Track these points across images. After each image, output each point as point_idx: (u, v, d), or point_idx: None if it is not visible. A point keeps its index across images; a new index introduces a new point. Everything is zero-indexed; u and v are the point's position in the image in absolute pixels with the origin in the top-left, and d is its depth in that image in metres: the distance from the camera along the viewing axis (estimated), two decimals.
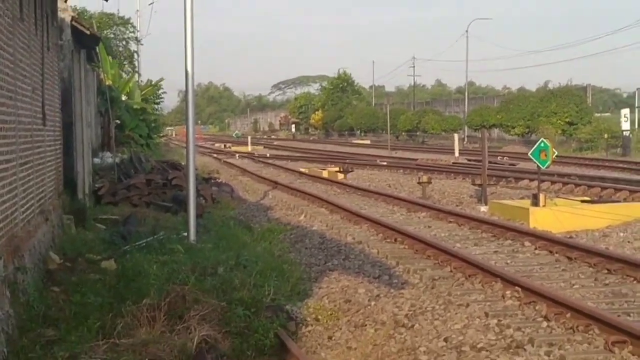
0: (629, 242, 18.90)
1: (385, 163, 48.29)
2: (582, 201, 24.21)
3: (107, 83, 40.76)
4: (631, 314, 12.34)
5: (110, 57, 47.38)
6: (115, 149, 33.85)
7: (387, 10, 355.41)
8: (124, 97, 47.73)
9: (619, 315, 11.96)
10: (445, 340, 11.27)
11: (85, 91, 26.54)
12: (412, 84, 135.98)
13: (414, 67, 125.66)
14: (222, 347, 11.06)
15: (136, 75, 62.81)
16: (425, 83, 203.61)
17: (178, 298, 11.90)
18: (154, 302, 11.60)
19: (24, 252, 12.42)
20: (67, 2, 23.33)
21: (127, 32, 73.94)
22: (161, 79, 66.23)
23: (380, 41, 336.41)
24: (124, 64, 68.85)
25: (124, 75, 58.74)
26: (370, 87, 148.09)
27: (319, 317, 13.13)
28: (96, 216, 21.86)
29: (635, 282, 14.38)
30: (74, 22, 22.92)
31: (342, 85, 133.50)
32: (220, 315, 11.83)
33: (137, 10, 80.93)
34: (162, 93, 69.14)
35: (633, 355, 10.21)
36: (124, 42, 73.60)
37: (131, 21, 74.97)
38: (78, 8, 53.96)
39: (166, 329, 11.12)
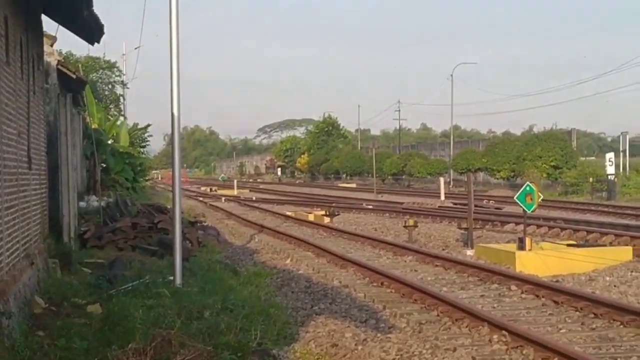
0: (615, 286, 18.92)
1: (371, 206, 48.35)
2: (568, 245, 24.27)
3: (93, 126, 40.76)
4: (618, 359, 12.32)
5: (96, 101, 47.41)
6: (101, 192, 33.77)
7: (372, 54, 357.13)
8: (110, 141, 47.74)
9: None
10: None
11: (71, 135, 26.50)
12: (398, 127, 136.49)
13: (399, 110, 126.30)
14: None
15: (122, 119, 62.81)
16: (410, 127, 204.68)
17: (164, 342, 11.80)
18: (140, 347, 11.50)
19: (9, 297, 12.34)
20: (53, 46, 23.40)
21: (113, 75, 74.19)
22: (148, 125, 66.37)
23: (366, 85, 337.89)
24: (110, 108, 68.96)
25: (110, 118, 58.78)
26: (356, 130, 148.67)
27: None
28: (82, 260, 21.75)
29: (621, 326, 14.38)
30: (59, 66, 22.98)
31: (327, 129, 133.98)
32: (206, 359, 11.75)
33: (123, 54, 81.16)
34: (148, 136, 69.29)
35: None
36: (110, 86, 73.76)
37: (117, 65, 75.20)
38: (64, 52, 54.14)
39: None
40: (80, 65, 54.18)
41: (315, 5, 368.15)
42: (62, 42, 76.50)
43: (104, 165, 42.12)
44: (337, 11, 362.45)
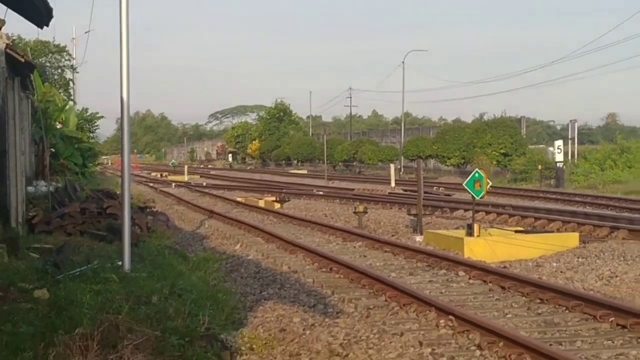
0: (561, 272, 19.12)
1: (321, 193, 48.41)
2: (516, 231, 24.45)
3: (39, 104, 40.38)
4: (563, 343, 12.47)
5: (45, 84, 46.99)
6: (49, 177, 33.50)
7: (324, 41, 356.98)
8: (58, 125, 47.32)
9: (550, 345, 12.07)
10: None
11: (19, 119, 26.28)
12: (349, 114, 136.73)
13: (350, 97, 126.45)
14: None
15: (71, 103, 62.19)
16: (362, 114, 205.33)
17: (111, 327, 11.77)
18: (87, 332, 11.46)
19: None
20: (2, 29, 23.15)
21: (63, 60, 73.43)
22: (97, 113, 65.76)
23: (318, 72, 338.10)
24: (60, 92, 68.33)
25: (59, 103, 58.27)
26: (308, 117, 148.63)
27: (254, 346, 13.08)
28: (29, 245, 21.56)
29: (567, 311, 14.54)
30: (8, 50, 22.73)
31: (279, 115, 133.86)
32: (154, 344, 11.72)
33: (73, 39, 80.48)
34: (99, 118, 68.80)
35: None
36: (59, 70, 73.03)
37: (67, 49, 74.48)
38: (13, 35, 53.52)
39: (99, 358, 10.99)
40: (29, 49, 53.63)
41: None
42: (10, 25, 75.70)
43: (53, 150, 41.77)
44: None
